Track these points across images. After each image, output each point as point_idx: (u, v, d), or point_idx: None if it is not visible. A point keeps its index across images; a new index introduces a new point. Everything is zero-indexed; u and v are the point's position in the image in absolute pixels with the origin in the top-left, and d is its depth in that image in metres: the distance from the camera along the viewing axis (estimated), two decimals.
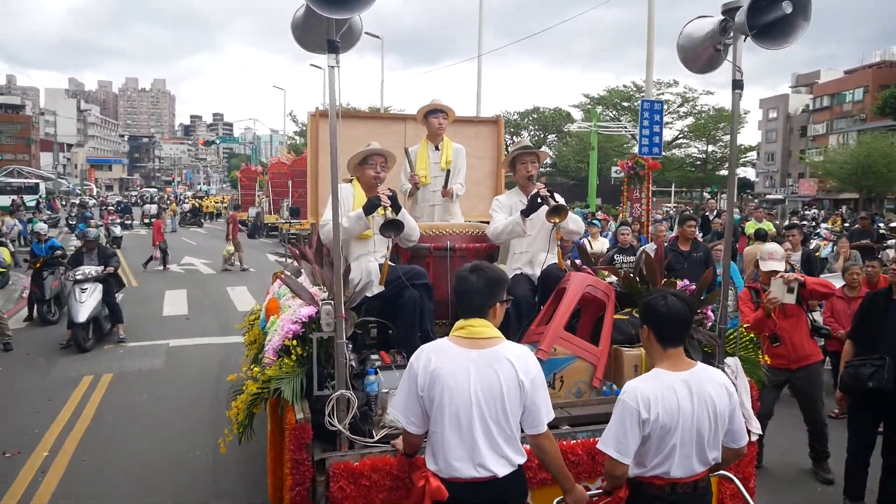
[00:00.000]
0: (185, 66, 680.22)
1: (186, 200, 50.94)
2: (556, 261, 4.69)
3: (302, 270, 4.51)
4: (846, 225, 22.06)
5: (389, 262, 4.43)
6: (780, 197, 58.47)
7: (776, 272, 5.25)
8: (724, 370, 3.86)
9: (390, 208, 4.40)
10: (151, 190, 72.98)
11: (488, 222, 6.97)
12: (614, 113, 34.27)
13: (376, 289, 4.44)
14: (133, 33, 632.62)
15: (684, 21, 3.99)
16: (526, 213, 4.60)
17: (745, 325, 4.63)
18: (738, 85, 3.90)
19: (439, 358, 2.76)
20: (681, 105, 34.92)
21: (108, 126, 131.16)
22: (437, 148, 5.74)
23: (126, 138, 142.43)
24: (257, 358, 4.56)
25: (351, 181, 4.75)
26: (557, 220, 4.49)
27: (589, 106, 33.22)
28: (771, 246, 5.93)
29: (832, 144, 52.69)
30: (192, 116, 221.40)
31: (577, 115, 34.47)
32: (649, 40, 10.63)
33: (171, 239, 28.71)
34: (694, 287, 4.38)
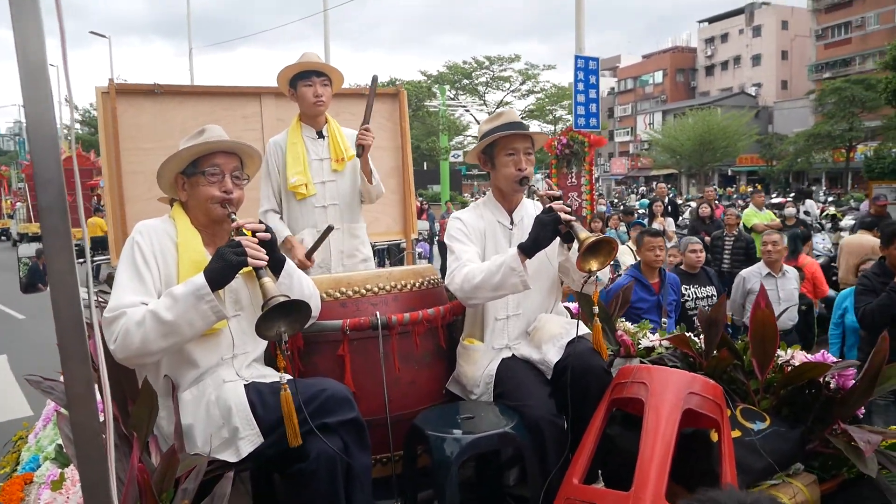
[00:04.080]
0: None
1: None
2: (585, 332, 2.53)
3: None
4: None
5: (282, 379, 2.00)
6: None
7: None
8: None
9: (265, 268, 2.02)
10: None
11: (398, 245, 4.69)
12: (453, 92, 32.17)
13: (249, 444, 2.02)
14: None
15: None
16: (528, 250, 2.38)
17: None
18: None
19: None
20: (522, 83, 33.35)
21: None
22: (320, 135, 3.35)
23: None
24: None
25: (171, 208, 2.26)
26: (595, 267, 2.31)
27: (426, 83, 30.58)
28: None
29: (640, 125, 55.64)
30: None
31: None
32: None
33: None
34: None
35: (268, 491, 2.40)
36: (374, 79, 3.37)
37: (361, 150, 3.24)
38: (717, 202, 10.37)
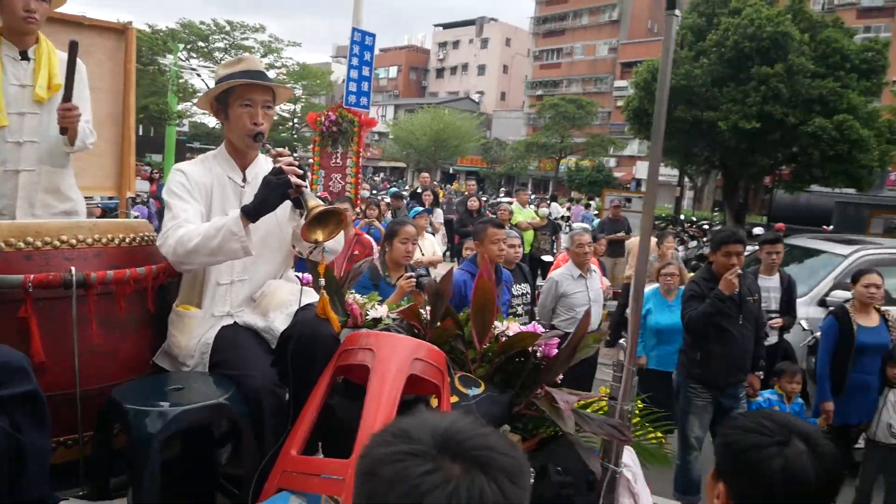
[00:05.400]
0: None
1: None
2: (315, 301, 2.43)
3: None
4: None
5: None
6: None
7: None
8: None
9: None
10: None
11: (112, 202, 4.09)
12: (185, 53, 29.21)
13: None
14: None
15: None
16: (252, 213, 2.21)
17: None
18: (673, 3, 2.34)
19: None
20: (264, 55, 31.39)
21: None
22: (24, 57, 2.78)
23: None
24: None
25: None
26: (321, 238, 2.22)
27: (161, 35, 27.10)
28: None
29: (371, 115, 56.98)
30: None
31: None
32: None
33: None
34: None
35: None
36: (74, 45, 2.72)
37: (65, 131, 2.76)
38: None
